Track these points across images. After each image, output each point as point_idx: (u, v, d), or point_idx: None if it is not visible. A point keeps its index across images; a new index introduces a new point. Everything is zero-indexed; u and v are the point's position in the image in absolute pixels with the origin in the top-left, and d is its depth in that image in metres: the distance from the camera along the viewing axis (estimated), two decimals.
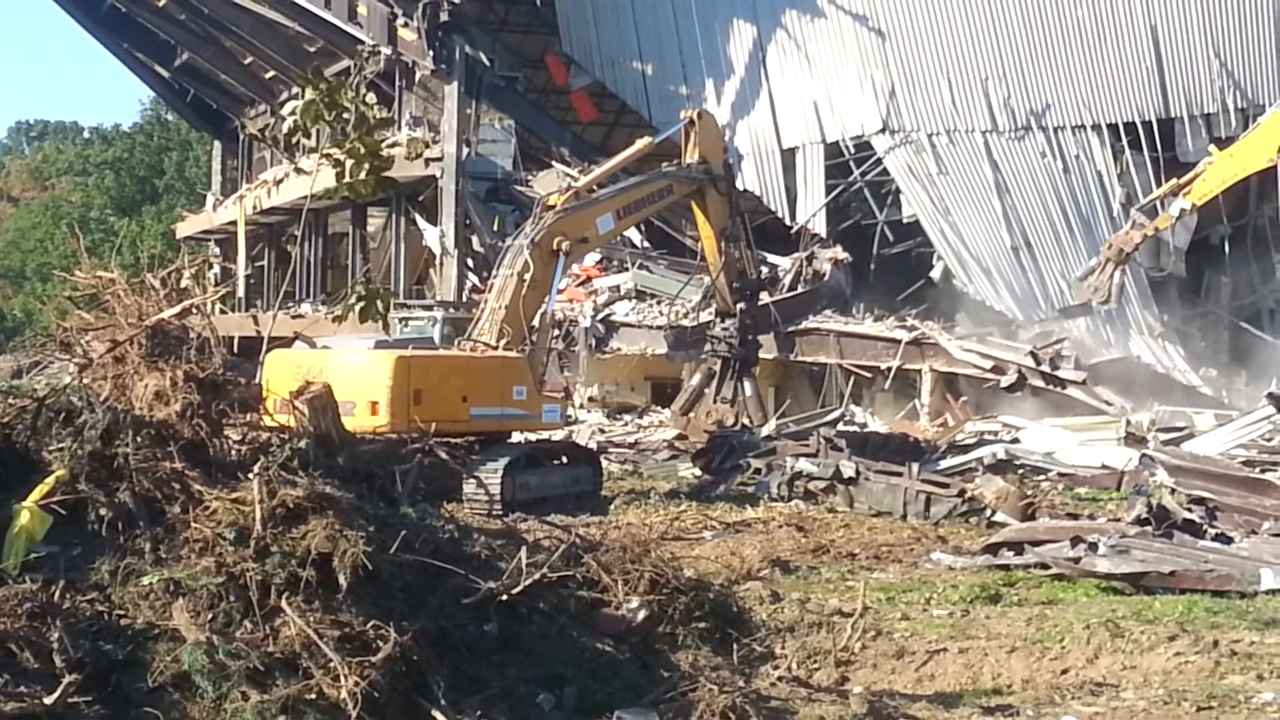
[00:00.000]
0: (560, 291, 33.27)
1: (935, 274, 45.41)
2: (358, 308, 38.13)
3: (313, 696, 9.45)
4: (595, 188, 29.40)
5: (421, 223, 48.98)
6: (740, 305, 30.77)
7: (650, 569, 12.35)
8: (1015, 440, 32.82)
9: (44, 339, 13.55)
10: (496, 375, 25.00)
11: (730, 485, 26.68)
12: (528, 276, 25.87)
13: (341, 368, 21.78)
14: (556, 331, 33.35)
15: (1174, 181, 39.70)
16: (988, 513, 22.31)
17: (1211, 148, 40.69)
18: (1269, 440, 28.54)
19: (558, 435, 28.42)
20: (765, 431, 29.54)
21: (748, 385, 31.26)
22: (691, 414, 31.60)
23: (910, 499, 23.22)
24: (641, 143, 32.14)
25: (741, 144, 45.77)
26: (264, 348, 21.50)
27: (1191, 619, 14.58)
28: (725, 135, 31.18)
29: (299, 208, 46.76)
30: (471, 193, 47.30)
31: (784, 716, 11.17)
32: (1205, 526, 18.82)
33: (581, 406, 40.25)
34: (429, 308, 44.36)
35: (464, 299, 44.42)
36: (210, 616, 9.88)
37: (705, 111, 33.25)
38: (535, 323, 26.18)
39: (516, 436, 25.47)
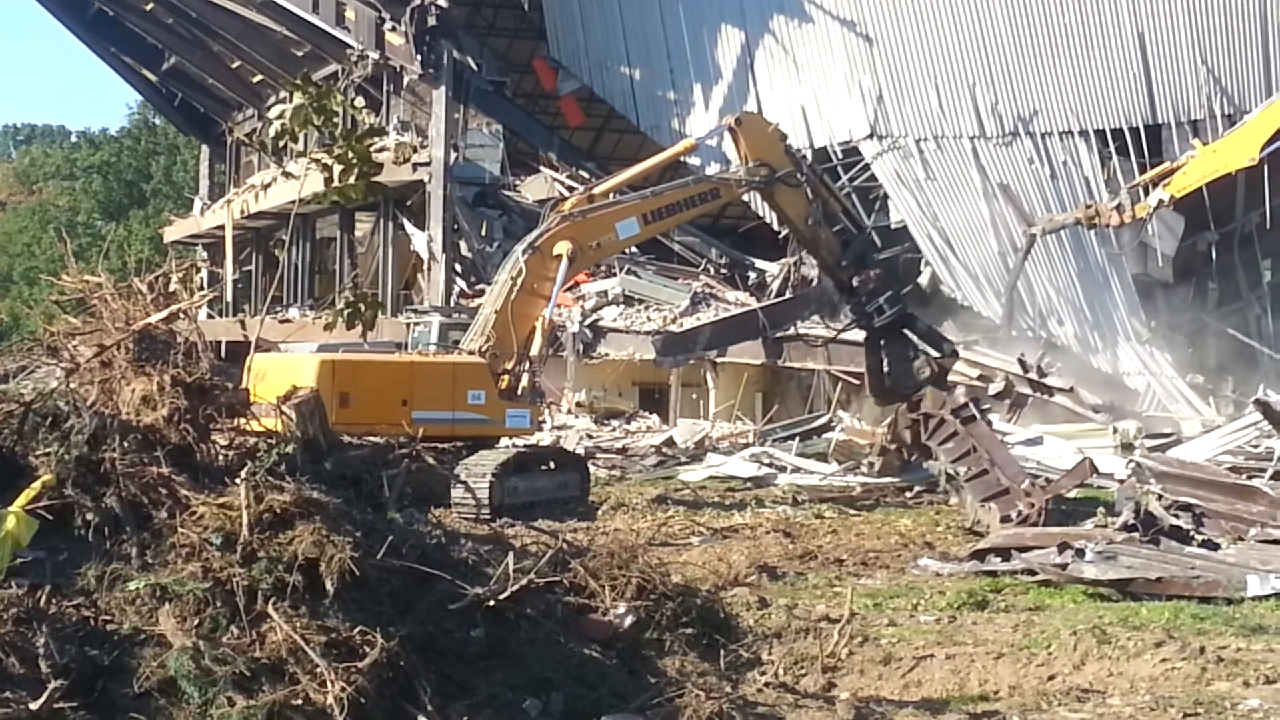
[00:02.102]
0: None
1: (923, 280, 45.45)
2: (345, 314, 38.17)
3: (299, 702, 9.45)
4: (626, 190, 28.73)
5: (409, 227, 48.96)
6: (855, 278, 29.60)
7: (637, 574, 12.35)
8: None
9: (31, 343, 13.52)
10: (445, 379, 24.93)
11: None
12: (520, 281, 25.71)
13: (280, 371, 21.72)
14: None
15: (1162, 167, 39.87)
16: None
17: (1195, 141, 40.88)
18: (1255, 446, 28.55)
19: (545, 440, 28.29)
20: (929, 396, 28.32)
21: (916, 329, 29.81)
22: (885, 391, 30.17)
23: (975, 519, 23.22)
24: (683, 144, 31.98)
25: (729, 148, 45.82)
26: (251, 353, 21.45)
27: (1178, 625, 14.59)
28: (779, 127, 30.03)
29: (287, 212, 46.78)
30: (459, 197, 47.30)
31: None
32: (1192, 533, 18.82)
33: (569, 412, 40.22)
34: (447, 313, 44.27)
35: (452, 303, 44.41)
36: (197, 622, 9.88)
37: (747, 113, 32.66)
38: (535, 328, 25.80)
39: (505, 441, 25.41)
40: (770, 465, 31.77)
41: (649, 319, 43.14)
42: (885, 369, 28.89)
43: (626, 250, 41.49)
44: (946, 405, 26.24)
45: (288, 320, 49.54)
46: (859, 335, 36.49)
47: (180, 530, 10.43)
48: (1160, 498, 19.58)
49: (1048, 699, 12.28)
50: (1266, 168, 41.72)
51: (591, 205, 27.10)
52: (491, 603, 10.88)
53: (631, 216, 27.34)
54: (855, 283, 28.67)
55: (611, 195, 27.87)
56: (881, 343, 28.94)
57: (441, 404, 24.54)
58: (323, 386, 22.97)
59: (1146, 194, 39.99)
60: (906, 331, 28.86)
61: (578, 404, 41.03)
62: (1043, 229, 41.85)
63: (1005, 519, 21.66)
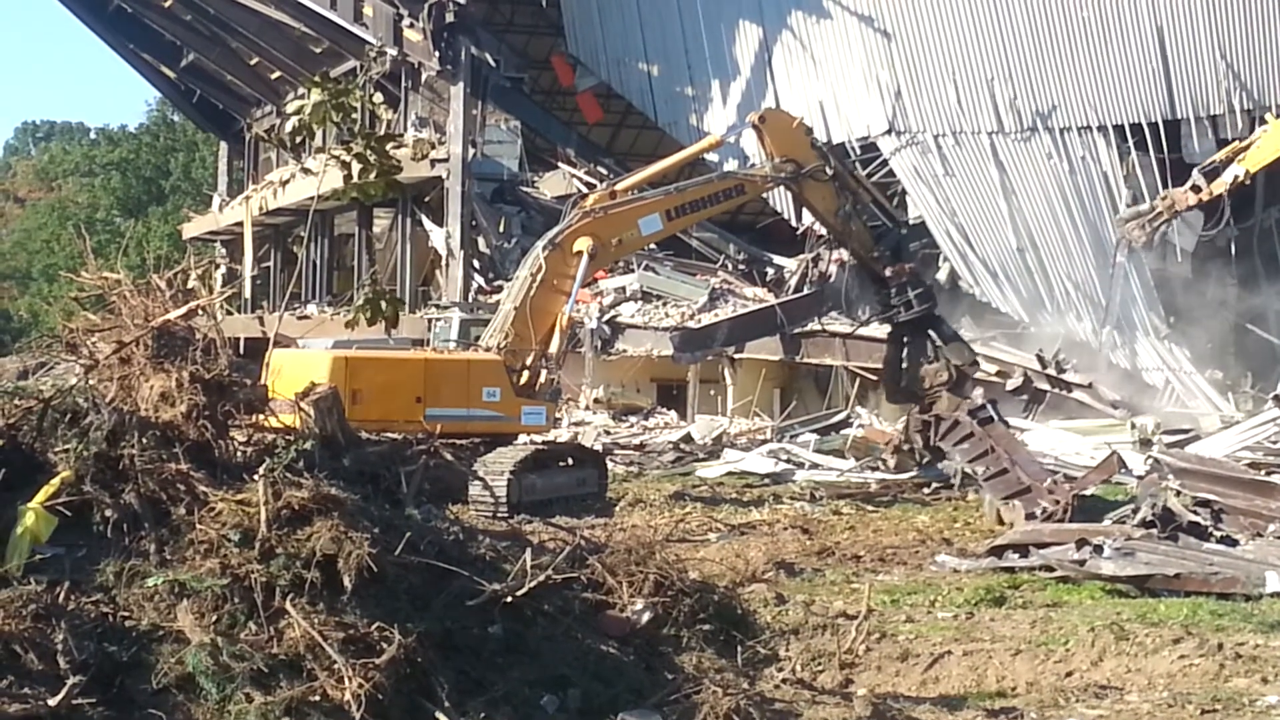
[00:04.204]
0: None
1: (941, 276, 45.37)
2: (366, 310, 38.18)
3: (317, 698, 9.46)
4: (646, 186, 28.64)
5: (428, 224, 49.01)
6: (887, 270, 29.38)
7: (655, 571, 12.35)
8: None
9: (50, 340, 13.56)
10: (460, 376, 24.94)
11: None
12: (540, 277, 25.70)
13: (294, 367, 21.70)
14: None
15: (1234, 145, 39.80)
16: None
17: (1268, 115, 40.82)
18: (1275, 443, 28.48)
19: (563, 436, 28.24)
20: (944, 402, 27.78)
21: (942, 331, 29.90)
22: (902, 385, 29.90)
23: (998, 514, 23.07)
24: (709, 139, 31.90)
25: (747, 145, 45.84)
26: (270, 349, 21.49)
27: (1196, 622, 14.55)
28: (804, 122, 29.83)
29: (305, 209, 46.82)
30: (477, 194, 47.34)
31: (788, 719, 11.18)
32: (1210, 529, 18.78)
33: (587, 408, 40.23)
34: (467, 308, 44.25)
35: (470, 300, 44.44)
36: (215, 618, 9.89)
37: (771, 110, 32.46)
38: (555, 324, 25.74)
39: (522, 438, 25.39)
40: (788, 461, 31.77)
41: (667, 315, 43.12)
42: (904, 367, 28.85)
43: (645, 247, 41.56)
44: (962, 407, 26.20)
45: (306, 316, 49.62)
46: (879, 331, 36.73)
47: (198, 527, 10.46)
48: (1179, 494, 19.55)
49: (1065, 695, 12.27)
50: None
51: (614, 201, 27.04)
52: (509, 599, 10.89)
53: (655, 213, 27.28)
54: (888, 273, 28.58)
55: (633, 192, 27.85)
56: (905, 340, 28.88)
57: (456, 401, 24.55)
58: (335, 383, 22.94)
59: (1174, 190, 39.87)
60: (931, 333, 28.81)
61: (596, 400, 41.04)
62: (1140, 242, 41.34)
63: (1030, 515, 21.59)
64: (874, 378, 40.89)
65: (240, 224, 59.84)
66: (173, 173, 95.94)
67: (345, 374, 23.58)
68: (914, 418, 27.61)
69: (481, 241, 47.20)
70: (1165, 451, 24.75)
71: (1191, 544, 17.93)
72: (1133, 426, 34.35)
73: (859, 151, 46.07)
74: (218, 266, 56.21)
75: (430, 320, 42.74)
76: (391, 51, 48.81)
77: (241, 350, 14.61)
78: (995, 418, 25.30)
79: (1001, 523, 22.43)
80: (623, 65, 50.39)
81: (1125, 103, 45.06)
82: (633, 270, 44.34)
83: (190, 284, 12.89)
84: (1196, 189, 39.41)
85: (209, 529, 10.40)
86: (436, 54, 47.58)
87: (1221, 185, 38.60)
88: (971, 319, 43.51)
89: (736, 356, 42.66)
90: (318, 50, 54.37)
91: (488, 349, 25.67)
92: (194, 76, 66.67)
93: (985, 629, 14.51)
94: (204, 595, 10.01)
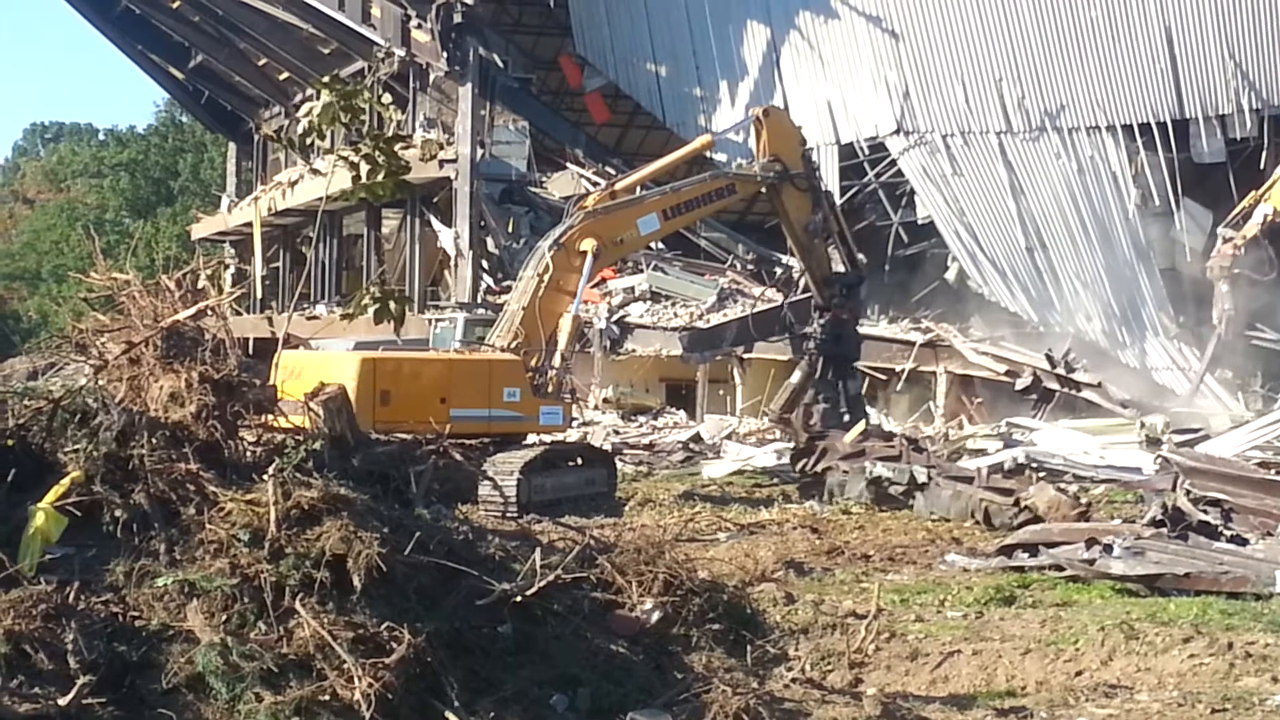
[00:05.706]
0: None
1: (950, 275, 45.40)
2: (372, 309, 38.26)
3: (326, 698, 9.47)
4: (644, 186, 28.81)
5: (436, 224, 49.02)
6: (834, 301, 29.82)
7: (664, 571, 12.34)
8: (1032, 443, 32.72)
9: (59, 340, 13.57)
10: (482, 377, 24.91)
11: (824, 489, 26.05)
12: (547, 277, 25.75)
13: (317, 368, 21.61)
14: None
15: (1253, 193, 40.11)
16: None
17: None
18: None
19: (572, 436, 28.25)
20: (856, 431, 28.19)
21: (849, 384, 30.31)
22: (792, 414, 30.36)
23: (975, 506, 22.94)
24: (701, 140, 32.03)
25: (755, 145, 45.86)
26: (279, 349, 21.48)
27: (1206, 621, 14.51)
28: (802, 132, 30.27)
29: (314, 209, 46.87)
30: (486, 194, 47.35)
31: (797, 718, 11.18)
32: (1220, 528, 18.75)
33: (596, 408, 40.23)
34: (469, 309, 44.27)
35: (479, 300, 44.46)
36: (225, 618, 9.90)
37: (773, 108, 32.82)
38: (563, 324, 25.83)
39: (531, 438, 25.40)
40: None
41: (676, 315, 43.14)
42: (804, 399, 29.50)
43: (653, 246, 41.57)
44: (871, 439, 26.72)
45: (315, 317, 49.66)
46: (888, 331, 36.89)
47: (208, 527, 10.47)
48: (1189, 493, 19.52)
49: (1075, 695, 12.25)
50: None
51: (614, 201, 27.21)
52: (519, 599, 10.88)
53: (651, 213, 27.59)
54: (834, 302, 29.19)
55: (638, 189, 27.98)
56: (816, 375, 29.56)
57: (478, 401, 24.52)
58: (363, 384, 23.03)
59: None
60: (841, 382, 29.51)
61: (605, 400, 41.05)
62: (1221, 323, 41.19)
63: (1061, 489, 21.61)
64: (883, 377, 40.99)
65: (249, 225, 59.88)
66: (181, 173, 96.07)
67: (373, 376, 23.60)
68: (799, 444, 27.85)
69: (490, 242, 47.21)
70: (1175, 451, 24.71)
71: (1201, 543, 17.89)
72: (1142, 426, 34.33)
73: (867, 151, 46.11)
74: (227, 267, 56.09)
75: (431, 321, 42.78)
76: (399, 52, 48.85)
77: (250, 351, 14.62)
78: (925, 450, 25.83)
79: (986, 522, 22.35)
80: (630, 66, 50.41)
81: (1134, 103, 45.04)
82: (641, 270, 44.38)
83: (199, 284, 12.91)
84: (1227, 239, 39.71)
85: (218, 529, 10.41)
86: (444, 55, 47.59)
87: (1254, 228, 38.97)
88: (980, 318, 43.56)
89: (745, 356, 42.66)
90: (326, 51, 54.39)
91: (501, 349, 25.67)
92: (202, 77, 66.73)
93: (995, 628, 14.48)
94: (214, 595, 10.02)
